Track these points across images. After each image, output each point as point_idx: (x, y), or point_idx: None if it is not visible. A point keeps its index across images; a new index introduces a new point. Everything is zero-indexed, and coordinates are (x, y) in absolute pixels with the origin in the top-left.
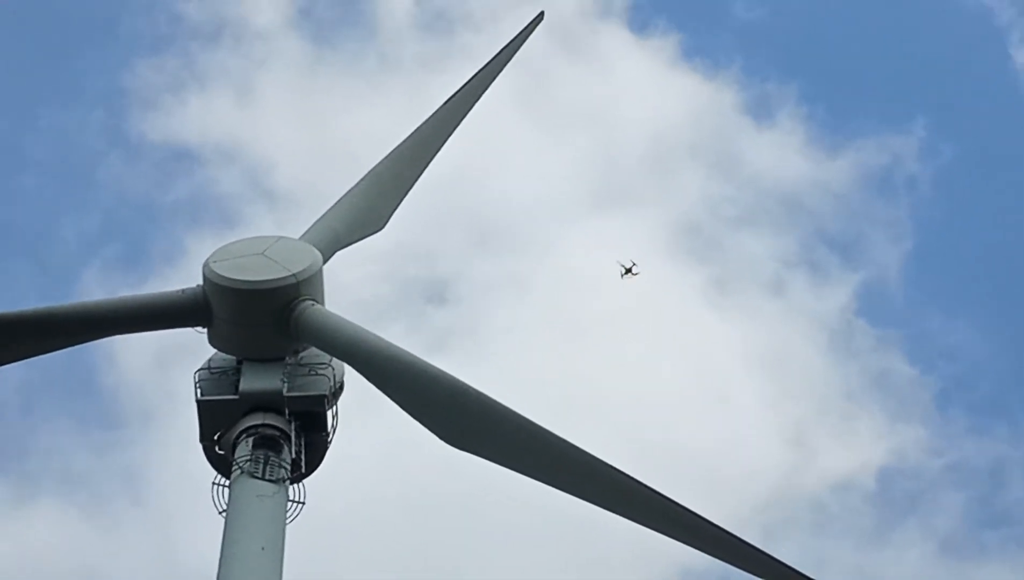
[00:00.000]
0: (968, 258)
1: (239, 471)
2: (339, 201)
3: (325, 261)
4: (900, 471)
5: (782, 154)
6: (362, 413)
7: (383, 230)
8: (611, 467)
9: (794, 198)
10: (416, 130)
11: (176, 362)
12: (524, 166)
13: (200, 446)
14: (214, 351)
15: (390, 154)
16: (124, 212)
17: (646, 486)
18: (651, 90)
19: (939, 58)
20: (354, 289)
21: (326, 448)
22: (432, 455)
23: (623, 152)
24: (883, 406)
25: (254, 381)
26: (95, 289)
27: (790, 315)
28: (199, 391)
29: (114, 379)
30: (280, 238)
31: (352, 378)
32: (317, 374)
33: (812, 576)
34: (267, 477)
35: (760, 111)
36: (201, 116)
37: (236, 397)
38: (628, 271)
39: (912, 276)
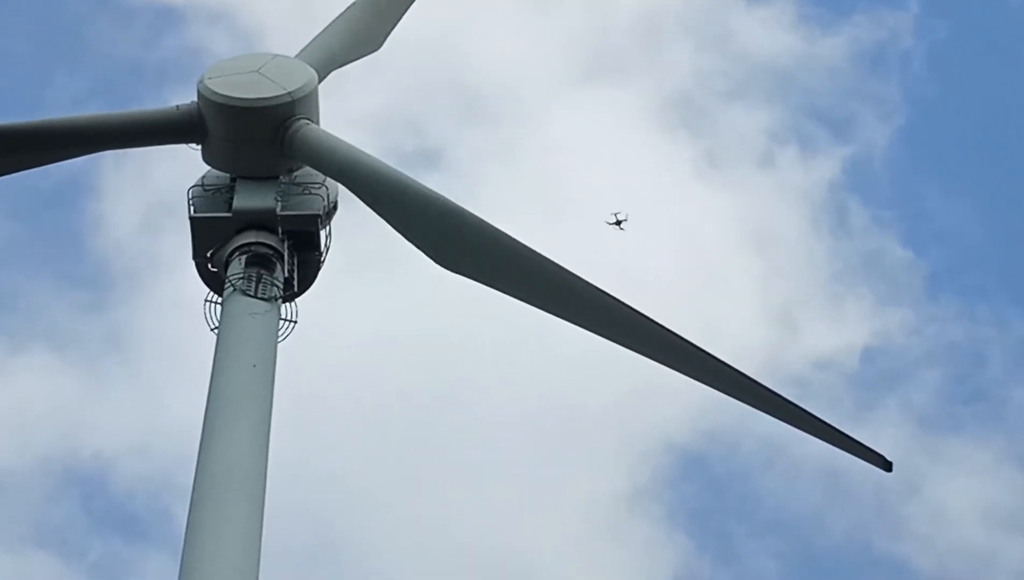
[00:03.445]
0: (960, 136)
1: (231, 289)
2: (335, 20)
3: (321, 80)
4: (883, 352)
5: (774, 29)
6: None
7: (379, 51)
8: (599, 290)
9: (786, 73)
10: None
11: (162, 225)
12: (514, 36)
13: (193, 264)
14: (208, 168)
15: None
16: (112, 72)
17: (632, 308)
18: None
19: None
20: None
21: (319, 268)
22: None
23: (613, 24)
24: (871, 287)
25: (247, 199)
26: None
27: (780, 190)
28: (192, 208)
29: (102, 241)
30: (276, 56)
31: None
32: (311, 193)
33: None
34: (259, 295)
35: None
36: None
37: (229, 215)
38: (617, 224)
39: (903, 153)
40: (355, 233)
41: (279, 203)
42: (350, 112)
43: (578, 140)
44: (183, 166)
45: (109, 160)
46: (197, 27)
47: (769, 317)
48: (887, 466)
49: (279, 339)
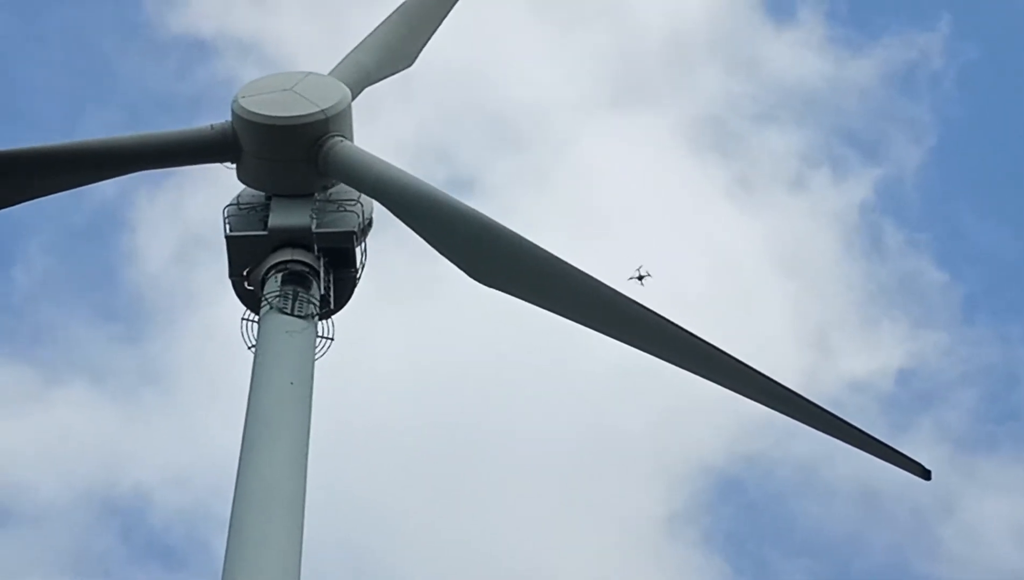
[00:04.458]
0: (993, 157)
1: (268, 307)
2: (368, 37)
3: (354, 97)
4: (918, 374)
5: (803, 51)
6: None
7: (410, 73)
8: (635, 302)
9: (816, 95)
10: None
11: (195, 257)
12: (542, 62)
13: (230, 281)
14: (242, 187)
15: None
16: (144, 104)
17: (668, 320)
18: None
19: None
20: None
21: (355, 284)
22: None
23: (641, 48)
24: (905, 310)
25: (283, 217)
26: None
27: (814, 214)
28: (228, 227)
29: (136, 274)
30: (309, 74)
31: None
32: (346, 210)
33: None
34: (296, 313)
35: (780, 8)
36: (219, 9)
37: (265, 233)
38: (639, 278)
39: (935, 174)
40: (390, 250)
41: (314, 220)
42: (380, 140)
43: (610, 164)
44: (214, 198)
45: (142, 193)
46: (228, 58)
47: (803, 340)
48: (926, 474)
49: (316, 356)
